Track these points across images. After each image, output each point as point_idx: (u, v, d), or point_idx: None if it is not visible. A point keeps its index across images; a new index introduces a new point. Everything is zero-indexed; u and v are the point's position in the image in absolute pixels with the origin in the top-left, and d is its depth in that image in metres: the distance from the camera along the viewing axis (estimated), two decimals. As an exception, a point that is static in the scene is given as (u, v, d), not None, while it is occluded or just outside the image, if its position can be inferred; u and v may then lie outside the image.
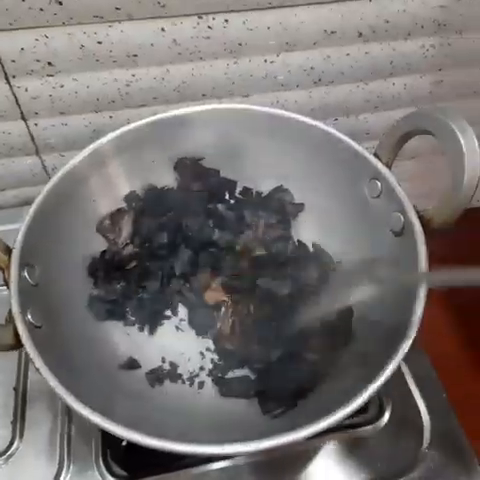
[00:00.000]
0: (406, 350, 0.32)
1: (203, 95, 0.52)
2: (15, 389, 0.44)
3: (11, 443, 0.42)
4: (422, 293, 0.34)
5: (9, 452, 0.41)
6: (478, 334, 0.60)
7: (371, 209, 0.42)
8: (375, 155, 0.42)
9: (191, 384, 0.42)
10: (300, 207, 0.49)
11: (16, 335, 0.32)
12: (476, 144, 0.34)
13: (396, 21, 0.50)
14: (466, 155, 0.34)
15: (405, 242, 0.38)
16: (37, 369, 0.31)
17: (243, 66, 0.50)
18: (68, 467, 0.41)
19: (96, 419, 0.30)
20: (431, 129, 0.37)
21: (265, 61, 0.50)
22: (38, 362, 0.31)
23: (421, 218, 0.38)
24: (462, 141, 0.34)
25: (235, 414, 0.40)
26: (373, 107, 0.58)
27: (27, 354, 0.42)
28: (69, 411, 0.43)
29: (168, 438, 0.29)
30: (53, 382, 0.30)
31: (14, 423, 0.43)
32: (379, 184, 0.41)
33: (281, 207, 0.49)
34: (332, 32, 0.49)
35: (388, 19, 0.49)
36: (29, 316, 0.34)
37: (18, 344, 0.33)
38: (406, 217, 0.38)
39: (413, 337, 0.32)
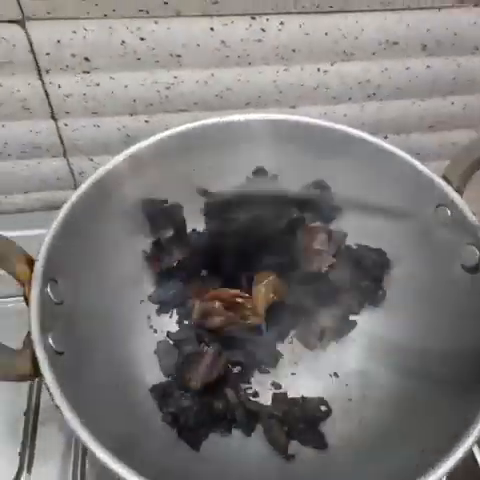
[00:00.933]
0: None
1: (247, 103, 0.48)
2: (25, 414, 0.40)
3: (18, 476, 0.37)
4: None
5: (15, 486, 0.37)
6: None
7: (437, 239, 0.37)
8: (444, 178, 0.38)
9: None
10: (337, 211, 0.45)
11: (34, 363, 0.28)
12: None
13: (465, 34, 0.46)
14: None
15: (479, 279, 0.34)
16: (57, 407, 0.27)
17: (294, 74, 0.46)
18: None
19: (123, 471, 0.25)
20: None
21: (318, 70, 0.46)
22: (58, 398, 0.27)
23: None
24: None
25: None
26: (427, 126, 0.54)
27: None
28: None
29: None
30: (74, 424, 0.26)
31: (22, 454, 0.38)
32: (448, 211, 0.37)
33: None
34: (394, 43, 0.45)
35: (456, 32, 0.45)
36: (50, 340, 0.29)
37: (35, 374, 0.28)
38: (482, 251, 0.34)
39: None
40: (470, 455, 0.30)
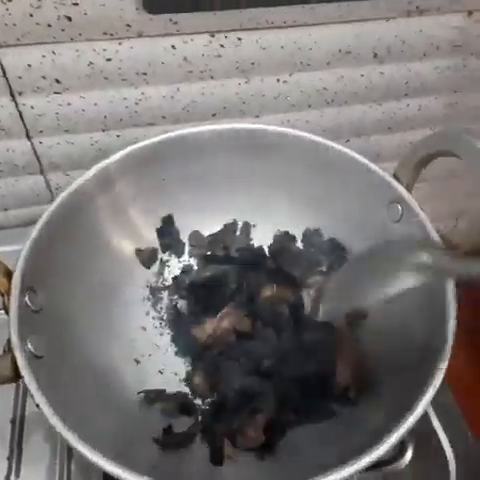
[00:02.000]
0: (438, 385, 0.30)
1: (213, 115, 0.51)
2: (12, 421, 0.42)
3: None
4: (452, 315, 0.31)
5: (4, 490, 0.38)
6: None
7: (391, 234, 0.40)
8: (395, 177, 0.40)
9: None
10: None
11: (14, 366, 0.30)
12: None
13: (412, 42, 0.49)
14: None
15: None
16: (37, 405, 0.29)
17: (255, 86, 0.49)
18: (66, 508, 0.38)
19: (102, 463, 0.27)
20: (456, 150, 0.35)
21: (278, 81, 0.49)
22: (38, 397, 0.29)
23: (447, 243, 0.36)
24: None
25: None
26: (386, 128, 0.57)
27: (25, 385, 0.41)
28: (70, 447, 0.40)
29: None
30: (53, 420, 0.28)
31: (10, 459, 0.40)
32: (400, 208, 0.39)
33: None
34: (347, 52, 0.48)
35: (404, 39, 0.48)
36: (29, 345, 0.31)
37: (16, 376, 0.30)
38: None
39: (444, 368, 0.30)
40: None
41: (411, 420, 0.29)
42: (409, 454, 0.42)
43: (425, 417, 0.43)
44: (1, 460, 0.40)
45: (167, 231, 0.47)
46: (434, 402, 0.42)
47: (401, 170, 0.40)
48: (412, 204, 0.39)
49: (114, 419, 0.36)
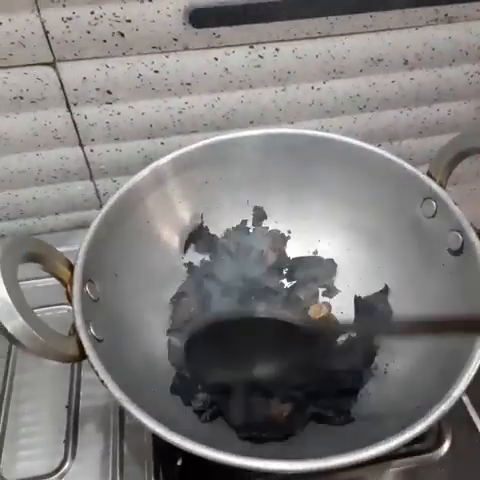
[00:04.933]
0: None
1: (251, 122, 0.53)
2: (67, 407, 0.45)
3: (63, 462, 0.42)
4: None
5: (61, 471, 0.41)
6: None
7: (426, 229, 0.42)
8: (428, 174, 0.42)
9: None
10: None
11: (80, 347, 0.33)
12: None
13: (441, 48, 0.51)
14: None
15: (464, 260, 0.38)
16: (102, 381, 0.31)
17: (291, 93, 0.52)
18: (120, 488, 0.40)
19: (160, 430, 0.30)
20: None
21: (312, 88, 0.52)
22: (102, 374, 0.31)
23: (480, 235, 0.38)
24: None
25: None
26: (417, 133, 0.59)
27: (79, 371, 0.44)
28: (121, 431, 0.43)
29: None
30: (118, 393, 0.31)
31: (66, 442, 0.43)
32: (434, 204, 0.41)
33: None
34: (379, 60, 0.51)
35: (434, 46, 0.50)
36: (91, 329, 0.34)
37: (82, 356, 0.33)
38: (464, 235, 0.38)
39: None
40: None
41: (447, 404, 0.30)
42: (447, 444, 0.43)
43: (462, 407, 0.44)
44: (58, 444, 0.43)
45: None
46: (470, 391, 0.44)
47: (434, 167, 0.42)
48: (446, 199, 0.40)
49: (161, 395, 0.38)
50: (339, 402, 0.41)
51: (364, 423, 0.39)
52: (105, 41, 0.44)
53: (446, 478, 0.41)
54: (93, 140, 0.51)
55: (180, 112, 0.51)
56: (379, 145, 0.59)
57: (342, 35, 0.48)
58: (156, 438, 0.39)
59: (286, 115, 0.54)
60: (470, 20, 0.49)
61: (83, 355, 0.33)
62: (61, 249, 0.38)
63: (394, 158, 0.44)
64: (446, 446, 0.43)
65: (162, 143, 0.53)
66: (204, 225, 0.49)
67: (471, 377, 0.32)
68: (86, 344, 0.33)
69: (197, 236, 0.49)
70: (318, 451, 0.35)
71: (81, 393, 0.46)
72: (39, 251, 0.36)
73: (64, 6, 0.41)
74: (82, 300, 0.35)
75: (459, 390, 0.31)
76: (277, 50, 0.48)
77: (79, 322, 0.34)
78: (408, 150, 0.61)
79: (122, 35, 0.44)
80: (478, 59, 0.53)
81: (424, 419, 0.30)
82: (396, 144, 0.60)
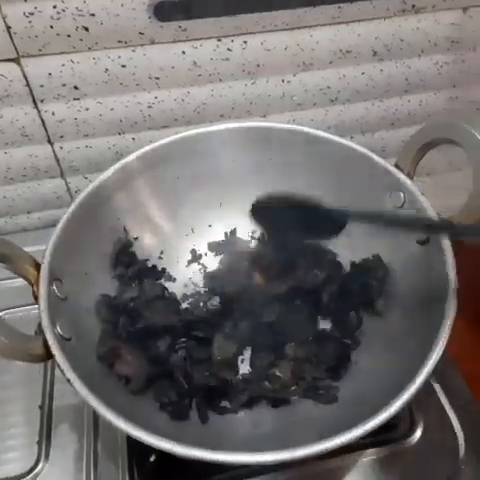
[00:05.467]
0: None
1: (222, 115, 0.53)
2: (41, 407, 0.44)
3: (37, 462, 0.41)
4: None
5: (35, 472, 0.41)
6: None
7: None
8: (396, 166, 0.42)
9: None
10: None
11: (46, 346, 0.33)
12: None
13: (410, 39, 0.51)
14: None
15: (431, 250, 0.38)
16: (68, 380, 0.31)
17: (261, 86, 0.52)
18: (94, 487, 0.40)
19: (128, 428, 0.30)
20: (454, 137, 0.37)
21: (282, 81, 0.52)
22: (69, 373, 0.31)
23: (446, 225, 0.38)
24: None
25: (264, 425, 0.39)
26: (389, 124, 0.59)
27: (53, 371, 0.44)
28: (96, 430, 0.43)
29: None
30: (84, 392, 0.30)
31: (40, 443, 0.42)
32: (402, 195, 0.42)
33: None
34: (347, 51, 0.51)
35: (402, 38, 0.51)
36: (58, 328, 0.34)
37: (48, 355, 0.33)
38: (431, 224, 0.38)
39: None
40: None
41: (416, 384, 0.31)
42: (419, 431, 0.43)
43: (433, 394, 0.45)
44: (31, 444, 0.42)
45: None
46: (442, 380, 0.45)
47: (402, 159, 0.42)
48: (413, 190, 0.41)
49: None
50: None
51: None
52: (69, 36, 0.43)
53: (419, 465, 0.42)
54: (62, 137, 0.51)
55: (150, 107, 0.50)
56: (351, 137, 0.60)
57: (310, 27, 0.47)
58: (129, 437, 0.39)
59: (257, 108, 0.53)
60: (437, 10, 0.49)
61: (50, 354, 0.33)
62: (34, 248, 0.38)
63: (363, 150, 0.44)
64: (418, 433, 0.43)
65: (133, 139, 0.53)
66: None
67: (436, 360, 0.32)
68: (52, 343, 0.32)
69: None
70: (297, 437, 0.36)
71: (55, 393, 0.45)
72: (4, 251, 0.35)
73: (25, 1, 0.41)
74: (49, 299, 0.35)
75: (424, 375, 0.31)
76: (245, 43, 0.47)
77: (45, 321, 0.33)
78: (380, 142, 0.61)
79: (86, 29, 0.43)
80: (447, 50, 0.53)
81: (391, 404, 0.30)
82: (368, 136, 0.60)
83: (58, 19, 0.42)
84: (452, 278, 0.35)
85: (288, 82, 0.52)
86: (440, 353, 0.32)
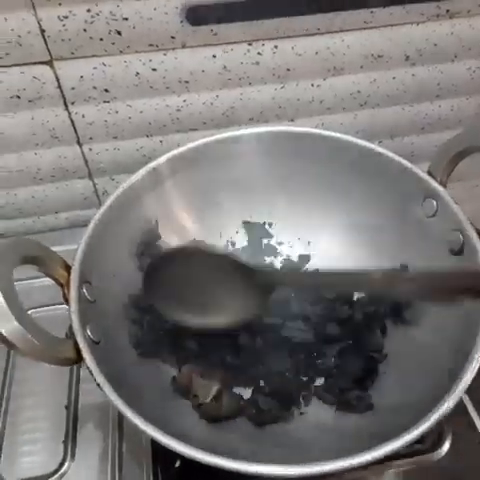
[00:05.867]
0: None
1: (250, 119, 0.53)
2: (66, 408, 0.45)
3: (62, 463, 0.42)
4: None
5: (61, 472, 0.41)
6: None
7: (426, 229, 0.41)
8: (429, 173, 0.42)
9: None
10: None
11: (76, 350, 0.33)
12: None
13: (443, 44, 0.50)
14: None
15: (465, 260, 0.37)
16: (98, 384, 0.31)
17: (290, 90, 0.51)
18: (119, 489, 0.40)
19: (156, 434, 0.30)
20: (489, 146, 0.36)
21: (312, 85, 0.51)
22: (99, 377, 0.31)
23: (480, 235, 0.37)
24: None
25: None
26: (419, 129, 0.58)
27: (78, 371, 0.44)
28: (120, 431, 0.43)
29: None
30: (113, 396, 0.30)
31: (65, 442, 0.43)
32: (434, 203, 0.41)
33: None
34: (379, 56, 0.50)
35: (436, 42, 0.50)
36: (88, 332, 0.34)
37: (78, 359, 0.33)
38: (465, 235, 0.38)
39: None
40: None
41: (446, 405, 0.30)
42: (447, 445, 0.42)
43: (462, 407, 0.44)
44: (57, 444, 0.43)
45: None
46: (470, 392, 0.44)
47: (435, 166, 0.42)
48: (446, 199, 0.40)
49: (160, 397, 0.38)
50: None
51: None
52: (102, 39, 0.43)
53: (446, 479, 0.41)
54: (91, 139, 0.51)
55: (179, 110, 0.50)
56: (380, 142, 0.59)
57: (341, 31, 0.47)
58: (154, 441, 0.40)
59: (286, 112, 0.53)
60: (472, 15, 0.48)
61: (80, 358, 0.33)
62: (61, 248, 0.38)
63: (394, 156, 0.43)
64: (446, 446, 0.42)
65: (161, 141, 0.53)
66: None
67: (474, 373, 0.31)
68: (83, 347, 0.33)
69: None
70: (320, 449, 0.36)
71: (80, 392, 0.46)
72: (35, 253, 0.36)
73: (60, 4, 0.41)
74: (79, 302, 0.35)
75: (462, 386, 0.31)
76: (276, 47, 0.47)
77: (76, 325, 0.34)
78: (410, 147, 0.60)
79: (119, 33, 0.43)
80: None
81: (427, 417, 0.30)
82: (398, 140, 0.59)
83: (92, 23, 0.42)
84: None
85: (318, 86, 0.51)
86: (477, 366, 0.31)
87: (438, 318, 0.39)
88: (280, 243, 0.51)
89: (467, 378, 0.31)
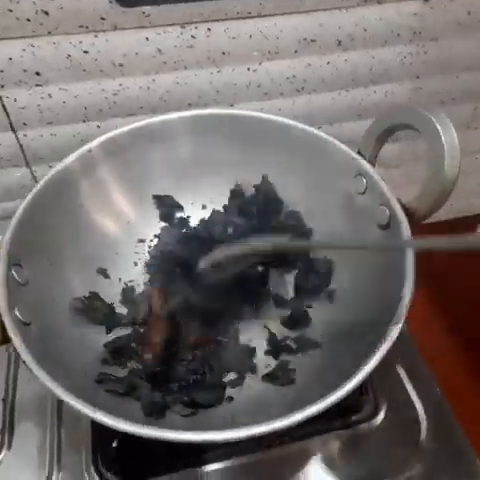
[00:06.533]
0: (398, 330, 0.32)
1: (189, 104, 0.53)
2: (3, 400, 0.44)
3: (-2, 453, 0.41)
4: (411, 273, 0.34)
5: (-4, 461, 0.40)
6: (460, 321, 0.61)
7: (357, 205, 0.43)
8: (359, 153, 0.43)
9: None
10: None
11: (3, 330, 0.32)
12: (455, 135, 0.36)
13: (373, 29, 0.52)
14: (445, 145, 0.35)
15: (391, 235, 0.39)
16: (24, 362, 0.31)
17: (227, 75, 0.52)
18: (58, 476, 0.40)
19: (86, 410, 0.29)
20: (413, 123, 0.38)
21: (248, 70, 0.52)
22: (26, 356, 0.31)
23: (406, 210, 0.39)
24: (442, 133, 0.36)
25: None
26: (356, 115, 0.60)
27: (16, 362, 0.43)
28: (59, 419, 0.43)
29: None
30: (40, 373, 0.30)
31: (2, 432, 0.42)
32: (364, 180, 0.42)
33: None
34: (312, 40, 0.51)
35: (366, 27, 0.51)
36: (17, 313, 0.34)
37: (5, 339, 0.32)
38: (391, 209, 0.39)
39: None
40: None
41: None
42: (382, 414, 0.44)
43: (397, 378, 0.46)
44: (-5, 435, 0.42)
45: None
46: (403, 363, 0.46)
47: (364, 145, 0.43)
48: (374, 175, 0.41)
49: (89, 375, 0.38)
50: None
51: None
52: (29, 20, 0.42)
53: (382, 447, 0.43)
54: (25, 124, 0.50)
55: (115, 94, 0.50)
56: (319, 127, 0.60)
57: (273, 15, 0.48)
58: (94, 424, 0.39)
59: (224, 97, 0.53)
60: (400, 1, 0.50)
61: (7, 338, 0.32)
62: (-2, 239, 0.38)
63: (327, 137, 0.44)
64: (381, 416, 0.44)
65: (98, 126, 0.52)
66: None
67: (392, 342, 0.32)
68: (9, 327, 0.32)
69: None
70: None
71: (18, 384, 0.45)
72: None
73: (-17, -17, 0.40)
74: (7, 283, 0.35)
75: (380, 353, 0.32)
76: (209, 30, 0.47)
77: (2, 304, 0.33)
78: (349, 132, 0.61)
79: (46, 13, 0.42)
80: (409, 41, 0.54)
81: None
82: (336, 126, 0.61)
83: (17, 2, 0.41)
84: (410, 264, 0.35)
85: (254, 71, 0.52)
86: (394, 336, 0.32)
87: (363, 291, 0.40)
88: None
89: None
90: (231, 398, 0.40)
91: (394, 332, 0.32)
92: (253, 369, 0.42)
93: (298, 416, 0.28)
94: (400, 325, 0.32)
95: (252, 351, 0.43)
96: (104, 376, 0.39)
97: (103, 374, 0.39)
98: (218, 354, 0.42)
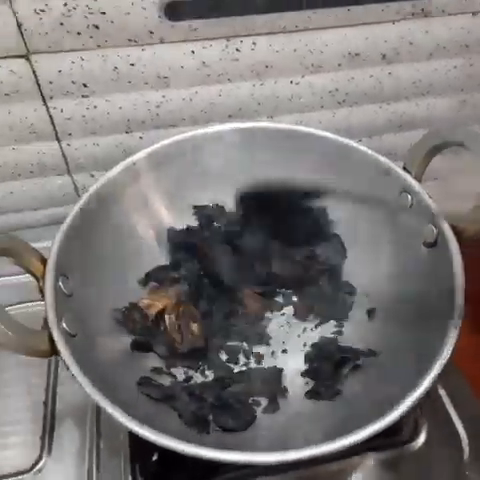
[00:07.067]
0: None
1: (230, 116, 0.53)
2: (44, 403, 0.44)
3: (39, 458, 0.41)
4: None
5: (37, 467, 0.41)
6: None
7: (402, 222, 0.42)
8: (404, 169, 0.42)
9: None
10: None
11: (51, 342, 0.33)
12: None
13: (419, 43, 0.51)
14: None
15: (439, 252, 0.38)
16: (73, 375, 0.31)
17: (269, 87, 0.52)
18: (97, 483, 0.40)
19: (133, 426, 0.29)
20: (464, 141, 0.37)
21: (291, 82, 0.52)
22: (73, 368, 0.31)
23: (454, 228, 0.38)
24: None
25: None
26: (396, 127, 0.59)
27: (56, 367, 0.44)
28: (98, 426, 0.43)
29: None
30: (89, 388, 0.30)
31: (42, 438, 0.42)
32: (409, 197, 0.41)
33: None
34: (356, 54, 0.51)
35: (411, 41, 0.51)
36: (64, 324, 0.34)
37: (53, 351, 0.33)
38: (439, 227, 0.38)
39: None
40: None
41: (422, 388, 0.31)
42: (423, 436, 0.43)
43: (438, 400, 0.45)
44: (34, 439, 0.42)
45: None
46: (446, 386, 0.44)
47: (410, 161, 0.42)
48: (421, 192, 0.41)
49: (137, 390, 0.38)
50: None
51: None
52: (79, 33, 0.43)
53: (423, 470, 0.42)
54: (70, 134, 0.51)
55: (158, 106, 0.50)
56: (359, 140, 0.59)
57: (319, 29, 0.48)
58: (132, 433, 0.39)
59: (265, 109, 0.53)
60: (447, 14, 0.49)
61: (55, 350, 0.33)
62: (40, 244, 0.38)
63: (370, 152, 0.44)
64: (422, 438, 0.43)
65: (140, 137, 0.53)
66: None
67: (443, 365, 0.32)
68: (57, 339, 0.32)
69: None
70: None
71: (58, 389, 0.45)
72: (11, 246, 0.36)
73: (36, -3, 0.41)
74: (55, 295, 0.35)
75: (430, 379, 0.31)
76: (254, 44, 0.47)
77: (51, 317, 0.33)
78: (388, 145, 0.61)
79: (97, 27, 0.43)
80: (455, 54, 0.53)
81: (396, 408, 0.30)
82: (376, 139, 0.60)
83: (69, 17, 0.42)
84: (460, 282, 0.35)
85: (296, 84, 0.52)
86: (447, 357, 0.32)
87: (413, 312, 0.40)
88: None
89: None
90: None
91: (445, 355, 0.32)
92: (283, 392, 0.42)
93: (355, 437, 0.28)
94: (450, 351, 0.32)
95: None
96: (146, 379, 0.39)
97: (145, 377, 0.39)
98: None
